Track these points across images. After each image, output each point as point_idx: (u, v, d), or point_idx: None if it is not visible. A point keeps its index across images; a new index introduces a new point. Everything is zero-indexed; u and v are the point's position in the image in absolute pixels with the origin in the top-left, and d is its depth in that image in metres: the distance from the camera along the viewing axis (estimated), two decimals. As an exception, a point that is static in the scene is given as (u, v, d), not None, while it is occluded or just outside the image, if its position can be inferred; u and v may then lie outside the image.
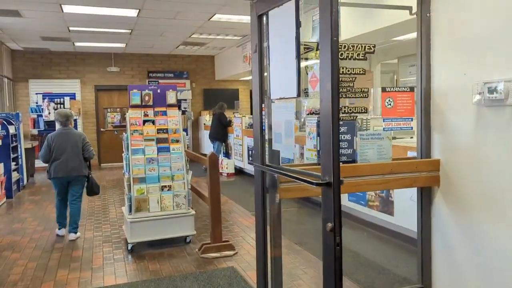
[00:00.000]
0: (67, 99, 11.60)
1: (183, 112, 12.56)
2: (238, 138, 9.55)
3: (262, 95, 2.99)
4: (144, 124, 5.11)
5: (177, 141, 5.14)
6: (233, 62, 11.44)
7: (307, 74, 3.01)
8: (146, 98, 5.19)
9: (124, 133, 5.16)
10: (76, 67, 11.88)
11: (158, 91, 5.27)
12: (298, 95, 2.46)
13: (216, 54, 12.81)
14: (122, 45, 10.97)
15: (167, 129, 5.16)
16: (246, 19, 8.30)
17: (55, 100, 11.48)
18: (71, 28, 8.92)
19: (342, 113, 3.17)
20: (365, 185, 3.10)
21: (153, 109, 5.22)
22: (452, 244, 2.95)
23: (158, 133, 5.10)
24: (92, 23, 8.50)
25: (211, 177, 4.62)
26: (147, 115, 5.14)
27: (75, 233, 5.32)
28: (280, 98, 2.69)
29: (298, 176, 2.40)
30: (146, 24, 8.59)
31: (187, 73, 12.76)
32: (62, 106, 11.40)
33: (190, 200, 5.08)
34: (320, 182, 2.18)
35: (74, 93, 11.84)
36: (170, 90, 5.28)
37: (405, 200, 4.54)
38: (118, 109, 12.38)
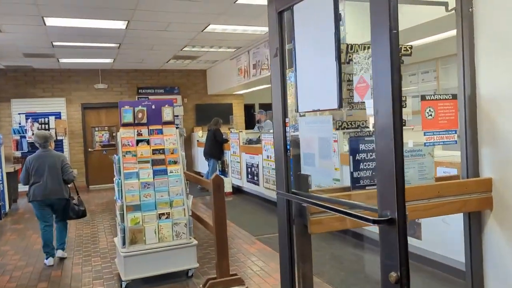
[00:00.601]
0: (52, 118, 10.98)
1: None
2: (236, 155, 9.01)
3: (285, 108, 2.48)
4: (137, 144, 4.56)
5: (175, 162, 4.60)
6: (227, 76, 10.96)
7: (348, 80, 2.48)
8: (140, 115, 4.65)
9: (115, 155, 4.60)
10: (62, 84, 11.30)
11: (153, 107, 4.74)
12: (340, 106, 1.96)
13: (208, 68, 12.33)
14: (110, 60, 10.44)
15: (163, 149, 4.62)
16: (241, 29, 7.84)
17: (39, 120, 10.86)
18: (55, 43, 8.37)
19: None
20: (409, 212, 2.58)
21: (148, 128, 4.68)
22: (510, 279, 2.43)
23: (153, 154, 4.56)
24: (77, 37, 7.97)
25: (216, 203, 4.07)
26: (141, 134, 4.60)
27: (63, 249, 5.26)
28: (313, 111, 2.18)
29: (347, 211, 1.87)
30: (136, 37, 8.08)
31: (178, 89, 12.24)
32: (46, 126, 10.78)
33: (191, 229, 4.52)
34: (380, 218, 1.67)
35: (60, 112, 11.23)
36: (166, 106, 4.75)
37: (435, 223, 4.03)
38: (106, 127, 11.79)
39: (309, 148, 2.26)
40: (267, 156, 7.46)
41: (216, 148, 9.59)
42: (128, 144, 4.51)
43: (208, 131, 9.82)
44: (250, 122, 14.10)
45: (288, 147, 2.48)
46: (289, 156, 2.49)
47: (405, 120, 2.87)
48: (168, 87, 12.12)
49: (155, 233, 4.27)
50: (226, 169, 9.76)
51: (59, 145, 11.20)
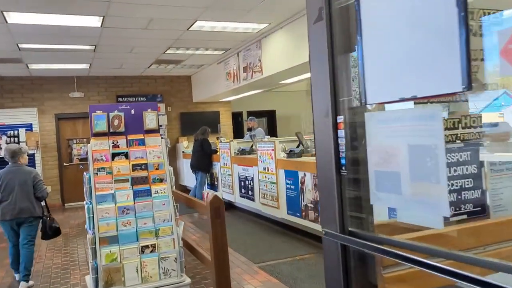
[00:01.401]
0: (22, 130, 9.88)
1: (159, 140, 11.01)
2: (226, 167, 8.08)
3: (336, 100, 1.61)
4: (113, 158, 3.61)
5: (161, 180, 3.66)
6: (214, 81, 10.05)
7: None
8: (116, 122, 3.71)
9: (85, 173, 3.64)
10: (33, 93, 10.21)
11: (132, 112, 3.80)
12: (469, 86, 1.06)
13: (193, 74, 11.40)
14: (86, 66, 9.43)
15: (146, 164, 3.68)
16: (232, 26, 6.96)
17: (8, 132, 9.74)
18: (21, 46, 7.35)
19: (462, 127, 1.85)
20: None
21: (126, 138, 3.73)
22: None
23: (134, 170, 3.61)
24: (46, 38, 6.97)
25: (216, 233, 3.15)
26: (118, 146, 3.66)
27: (27, 281, 4.62)
28: (399, 101, 1.29)
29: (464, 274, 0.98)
30: (112, 37, 7.12)
31: (162, 96, 11.27)
32: (16, 139, 9.67)
33: (183, 263, 3.57)
34: None
35: (31, 124, 10.12)
36: (149, 111, 3.82)
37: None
38: (84, 139, 10.72)
39: (387, 163, 1.36)
40: (264, 168, 6.55)
41: (204, 159, 8.65)
42: (102, 159, 3.56)
43: (194, 142, 8.87)
44: (238, 131, 13.19)
45: (343, 161, 1.59)
46: (343, 176, 1.61)
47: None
48: (150, 94, 11.14)
49: (137, 271, 3.32)
50: (216, 183, 8.81)
51: (30, 159, 10.07)
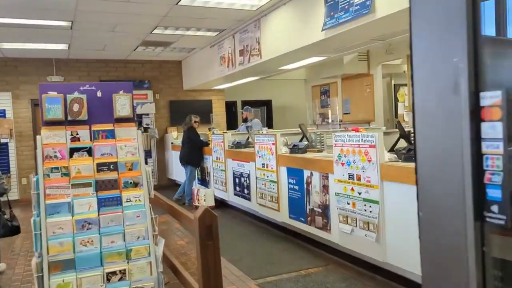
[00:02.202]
0: (-7, 117, 8.90)
1: (146, 130, 10.09)
2: (219, 161, 7.19)
3: (479, 59, 0.68)
4: (71, 155, 2.71)
5: (136, 184, 2.77)
6: (207, 67, 9.11)
7: None
8: (75, 107, 2.80)
9: (31, 175, 2.73)
10: (6, 76, 9.20)
11: (99, 94, 2.89)
12: None
13: (183, 59, 10.44)
14: (64, 46, 8.43)
15: (116, 163, 2.78)
16: (227, 3, 6.04)
17: (-22, 119, 8.76)
18: (-15, 20, 6.36)
19: None
20: None
21: (90, 128, 2.83)
22: None
23: (99, 171, 2.72)
24: (16, 11, 5.99)
25: (206, 260, 2.27)
26: (78, 139, 2.76)
27: None
28: None
29: None
30: (90, 11, 6.16)
31: (149, 82, 10.31)
32: (-14, 126, 8.69)
33: (163, 293, 2.70)
34: None
35: (4, 110, 9.14)
36: (121, 93, 2.91)
37: None
38: (63, 128, 9.74)
39: None
40: (263, 165, 5.67)
41: (193, 152, 7.76)
42: (55, 156, 2.66)
43: (183, 133, 7.98)
44: (232, 122, 12.28)
45: (494, 193, 0.70)
46: (491, 227, 0.72)
47: None
48: (137, 80, 10.17)
49: (100, 308, 2.44)
50: (207, 178, 7.92)
51: (3, 149, 9.13)
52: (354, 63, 9.60)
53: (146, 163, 10.43)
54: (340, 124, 10.39)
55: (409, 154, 3.67)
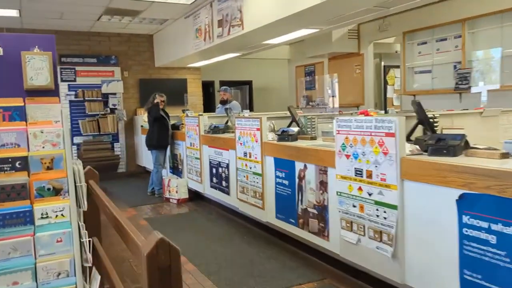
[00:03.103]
0: None
1: (112, 111, 8.97)
2: (194, 148, 6.20)
3: None
4: (-50, 147, 1.70)
5: (58, 191, 1.78)
6: (181, 41, 8.03)
7: None
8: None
9: None
10: None
11: (-2, 52, 1.86)
12: None
13: (155, 32, 9.30)
14: (15, 13, 7.19)
15: (26, 158, 1.78)
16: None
17: None
18: None
19: None
20: None
21: (-17, 104, 1.81)
22: None
23: (-5, 172, 1.71)
24: None
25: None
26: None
27: None
28: None
29: None
30: (36, -36, 5.00)
31: (117, 58, 9.14)
32: None
33: None
34: None
35: None
36: (36, 50, 1.88)
37: None
38: (17, 108, 8.53)
39: None
40: (245, 154, 4.72)
41: (157, 133, 6.70)
42: None
43: (147, 114, 6.95)
44: (209, 103, 11.26)
45: None
46: None
47: None
48: (102, 55, 8.99)
49: None
50: (180, 167, 6.93)
51: None
52: (343, 41, 8.68)
53: (112, 148, 9.39)
54: (326, 108, 9.51)
55: (438, 145, 2.78)
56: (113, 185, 8.08)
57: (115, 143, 9.09)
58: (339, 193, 3.33)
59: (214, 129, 5.79)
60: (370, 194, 3.05)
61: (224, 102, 7.31)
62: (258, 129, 4.44)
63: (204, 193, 6.12)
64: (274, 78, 11.76)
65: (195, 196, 6.54)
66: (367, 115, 3.23)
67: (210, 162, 5.75)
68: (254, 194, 4.60)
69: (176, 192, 6.46)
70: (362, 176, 3.11)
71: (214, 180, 5.66)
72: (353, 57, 8.84)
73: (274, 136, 4.44)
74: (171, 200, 6.52)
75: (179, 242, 4.28)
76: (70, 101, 8.66)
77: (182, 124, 6.69)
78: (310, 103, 9.93)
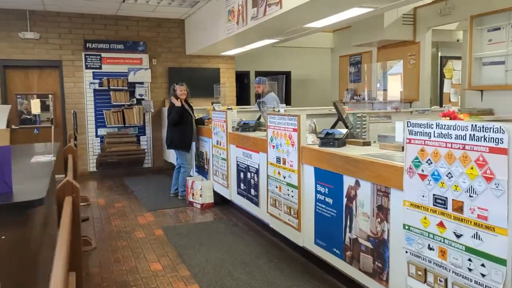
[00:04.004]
0: (-49, 80, 7.15)
1: (139, 102, 8.24)
2: (221, 147, 5.32)
3: None
4: None
5: None
6: (212, 26, 7.15)
7: None
8: None
9: None
10: (-31, 30, 7.41)
11: None
12: None
13: (187, 17, 8.47)
14: (34, -7, 6.55)
15: None
16: None
17: None
18: None
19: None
20: None
21: None
22: None
23: None
24: None
25: None
26: None
27: None
28: None
29: None
30: None
31: (145, 45, 8.39)
32: None
33: None
34: None
35: (-34, 71, 7.39)
36: None
37: None
38: (40, 96, 7.97)
39: None
40: (278, 159, 3.79)
41: (178, 131, 5.86)
42: None
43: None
44: (243, 96, 10.38)
45: None
46: None
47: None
48: (130, 41, 8.27)
49: None
50: (206, 167, 6.08)
51: (-35, 119, 7.37)
52: (397, 27, 7.51)
53: (138, 141, 8.70)
54: (373, 104, 8.38)
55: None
56: (136, 182, 7.37)
57: (141, 136, 8.38)
58: (407, 227, 2.34)
59: (244, 126, 4.89)
60: (458, 236, 2.04)
61: (259, 96, 6.36)
62: (295, 130, 3.48)
63: (231, 199, 5.24)
64: (315, 69, 10.72)
65: (221, 200, 5.68)
66: (454, 118, 2.21)
67: (237, 165, 4.85)
68: (288, 210, 3.66)
69: (200, 196, 5.61)
70: (445, 208, 2.11)
71: (242, 186, 4.76)
72: (407, 45, 7.67)
73: (316, 140, 3.47)
74: (194, 205, 5.69)
75: (196, 262, 3.40)
76: (95, 90, 7.99)
77: (209, 118, 5.83)
78: (355, 97, 8.83)
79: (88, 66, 7.96)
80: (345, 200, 2.95)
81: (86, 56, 7.93)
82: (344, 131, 3.43)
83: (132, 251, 4.15)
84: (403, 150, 2.93)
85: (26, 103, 7.92)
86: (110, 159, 7.90)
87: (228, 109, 5.37)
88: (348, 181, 2.91)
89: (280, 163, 3.75)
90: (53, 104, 7.98)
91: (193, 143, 6.30)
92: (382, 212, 2.60)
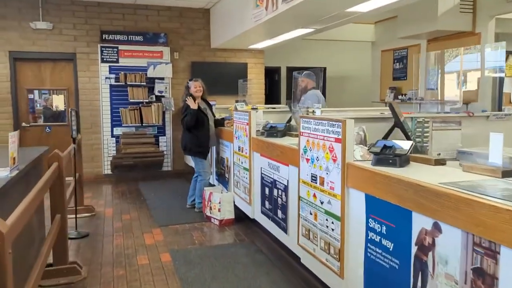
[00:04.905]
0: (-43, 73, 6.57)
1: (158, 99, 7.45)
2: (243, 154, 4.41)
3: None
4: None
5: None
6: (239, 14, 6.25)
7: None
8: None
9: None
10: (-22, 20, 6.80)
11: None
12: None
13: (212, 5, 7.60)
14: (41, -23, 5.83)
15: None
16: None
17: None
18: None
19: None
20: None
21: None
22: None
23: None
24: None
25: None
26: None
27: None
28: None
29: None
30: None
31: (166, 37, 7.59)
32: None
33: None
34: None
35: (-26, 64, 6.79)
36: None
37: None
38: (52, 91, 7.33)
39: None
40: (313, 177, 2.83)
41: (195, 135, 5.01)
42: None
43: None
44: (273, 94, 9.45)
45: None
46: None
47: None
48: (149, 33, 7.48)
49: None
50: (227, 175, 5.19)
51: (-28, 115, 6.82)
52: (453, 16, 6.38)
53: (157, 142, 7.92)
54: (420, 104, 7.26)
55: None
56: (152, 188, 6.58)
57: (160, 137, 7.58)
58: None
59: (270, 131, 3.95)
60: None
61: (301, 90, 5.31)
62: (338, 140, 2.52)
63: (254, 217, 4.32)
64: (353, 65, 9.65)
65: (241, 216, 4.77)
66: None
67: (262, 178, 3.92)
68: (327, 247, 2.70)
69: (219, 210, 4.72)
70: None
71: (267, 205, 3.83)
72: (465, 37, 6.51)
73: (367, 154, 2.50)
74: (212, 220, 4.81)
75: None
76: (111, 86, 7.25)
77: (231, 119, 4.94)
78: (399, 97, 7.73)
79: (104, 59, 7.22)
80: (414, 248, 1.97)
81: (102, 49, 7.20)
82: (407, 143, 2.43)
83: (128, 284, 3.30)
84: (503, 176, 1.93)
85: (50, 98, 7.29)
86: (126, 162, 7.14)
87: (252, 109, 4.44)
88: (420, 222, 1.93)
89: (316, 183, 2.80)
90: (67, 100, 7.29)
91: (213, 147, 5.43)
92: (484, 280, 1.61)
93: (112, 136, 7.33)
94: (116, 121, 7.31)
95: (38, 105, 7.24)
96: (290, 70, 9.70)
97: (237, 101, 5.62)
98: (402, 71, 7.82)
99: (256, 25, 5.60)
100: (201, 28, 7.83)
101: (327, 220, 2.67)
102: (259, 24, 5.49)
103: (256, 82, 8.08)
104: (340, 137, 2.49)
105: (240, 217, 4.77)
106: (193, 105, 4.87)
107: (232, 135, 4.68)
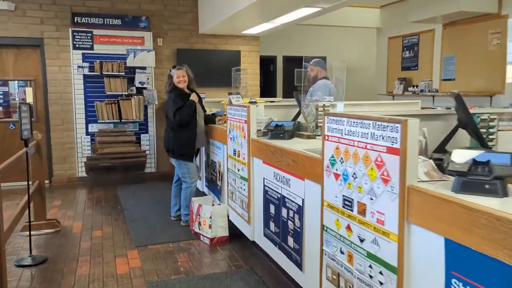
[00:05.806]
0: None
1: (139, 91, 6.49)
2: (239, 160, 3.49)
3: None
4: None
5: None
6: (231, -9, 5.30)
7: None
8: None
9: None
10: None
11: None
12: None
13: (200, -14, 6.64)
14: None
15: None
16: None
17: None
18: None
19: None
20: None
21: None
22: None
23: None
24: None
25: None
26: None
27: None
28: None
29: None
30: None
31: (148, 21, 6.60)
32: None
33: None
34: None
35: None
36: None
37: None
38: (17, 82, 6.33)
39: None
40: (346, 202, 1.93)
41: (180, 134, 4.13)
42: None
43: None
44: (269, 87, 8.53)
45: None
46: None
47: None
48: (129, 15, 6.49)
49: None
50: (219, 183, 4.28)
51: None
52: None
53: (138, 141, 6.97)
54: (434, 96, 6.43)
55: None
56: (132, 194, 5.65)
57: (142, 135, 6.63)
58: None
59: (275, 131, 3.04)
60: None
61: (310, 80, 4.40)
62: (392, 151, 1.62)
63: (253, 239, 3.42)
64: (357, 53, 8.77)
65: (236, 233, 3.87)
66: None
67: (265, 192, 3.01)
68: (370, 307, 1.81)
69: (210, 227, 3.82)
70: None
71: (272, 227, 2.93)
72: (489, 20, 5.66)
73: (433, 172, 1.61)
74: (201, 238, 3.91)
75: None
76: (84, 76, 6.26)
77: (224, 115, 4.02)
78: (410, 89, 6.87)
79: (77, 45, 6.22)
80: None
81: (74, 34, 6.19)
82: (499, 156, 1.55)
83: None
84: None
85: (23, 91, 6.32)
86: (102, 163, 6.17)
87: (251, 102, 3.53)
88: None
89: (352, 211, 1.90)
90: (34, 92, 6.30)
91: (202, 148, 4.54)
92: None
93: (87, 134, 6.36)
94: (91, 117, 6.33)
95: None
96: (287, 59, 8.80)
97: (230, 93, 4.70)
98: (412, 60, 6.96)
99: (250, 4, 4.67)
100: (188, 10, 6.85)
101: (371, 268, 1.78)
102: (253, 2, 4.56)
103: (250, 72, 7.15)
104: (397, 146, 1.60)
105: (236, 233, 3.88)
106: (194, 98, 4.01)
107: (226, 135, 3.76)
